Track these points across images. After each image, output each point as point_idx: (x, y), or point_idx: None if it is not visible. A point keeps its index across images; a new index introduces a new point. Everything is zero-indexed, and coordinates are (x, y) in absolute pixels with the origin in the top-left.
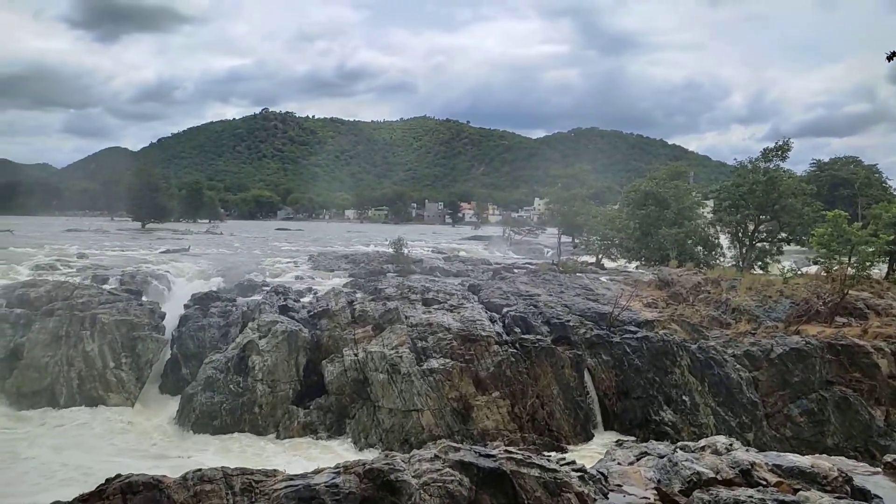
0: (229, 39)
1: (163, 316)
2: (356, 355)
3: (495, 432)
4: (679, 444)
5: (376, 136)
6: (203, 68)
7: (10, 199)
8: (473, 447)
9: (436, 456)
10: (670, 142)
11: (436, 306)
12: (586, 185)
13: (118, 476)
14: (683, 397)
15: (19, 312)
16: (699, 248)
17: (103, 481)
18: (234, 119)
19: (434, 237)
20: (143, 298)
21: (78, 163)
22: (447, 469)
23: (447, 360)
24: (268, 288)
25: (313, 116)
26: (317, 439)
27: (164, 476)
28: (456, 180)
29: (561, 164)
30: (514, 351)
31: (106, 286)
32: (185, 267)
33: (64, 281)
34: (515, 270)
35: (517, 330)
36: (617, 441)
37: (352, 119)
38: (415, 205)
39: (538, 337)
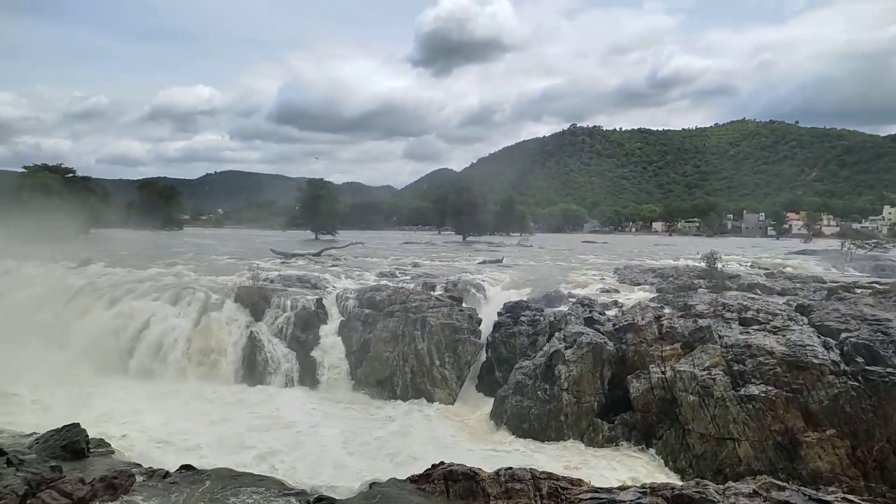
0: (545, 61)
1: (479, 321)
2: (663, 373)
3: (830, 476)
4: None
5: (687, 144)
6: (520, 91)
7: (362, 217)
8: (802, 488)
9: (755, 492)
10: None
11: (755, 326)
12: None
13: (442, 463)
14: None
15: (368, 312)
16: None
17: (430, 466)
18: (543, 136)
19: (753, 251)
20: (463, 305)
21: (413, 184)
22: None
23: (769, 388)
24: (573, 299)
25: (620, 129)
26: (621, 455)
27: (480, 469)
28: (780, 188)
29: None
30: (856, 384)
31: (433, 292)
32: (499, 277)
33: (401, 287)
34: (857, 290)
35: (859, 360)
36: None
37: (660, 129)
38: (730, 216)
39: (889, 370)
